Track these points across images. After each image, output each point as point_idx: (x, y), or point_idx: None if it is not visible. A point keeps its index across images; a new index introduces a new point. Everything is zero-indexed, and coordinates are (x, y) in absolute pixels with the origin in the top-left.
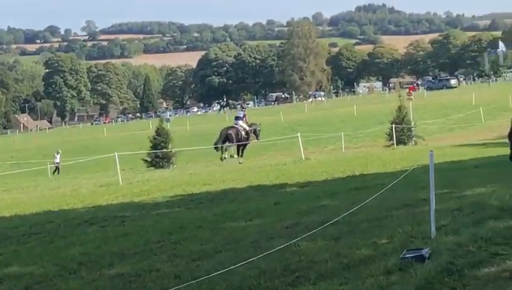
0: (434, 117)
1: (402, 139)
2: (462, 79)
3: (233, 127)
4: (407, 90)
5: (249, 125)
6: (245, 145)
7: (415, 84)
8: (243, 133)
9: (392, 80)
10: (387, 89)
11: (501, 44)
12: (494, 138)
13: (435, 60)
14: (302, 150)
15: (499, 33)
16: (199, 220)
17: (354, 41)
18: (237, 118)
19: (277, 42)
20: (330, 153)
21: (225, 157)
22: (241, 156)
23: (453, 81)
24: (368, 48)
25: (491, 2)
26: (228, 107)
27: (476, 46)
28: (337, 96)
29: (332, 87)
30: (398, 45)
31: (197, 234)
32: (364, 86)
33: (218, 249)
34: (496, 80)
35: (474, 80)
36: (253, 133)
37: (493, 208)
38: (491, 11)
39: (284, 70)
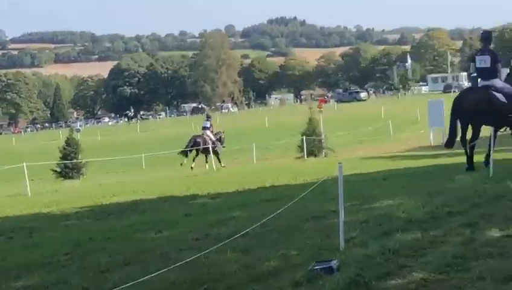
0: (344, 129)
1: (312, 151)
2: (371, 92)
3: (201, 135)
4: (318, 102)
5: (215, 135)
6: (217, 153)
7: (325, 97)
8: (210, 143)
9: (303, 92)
10: (298, 101)
11: (409, 58)
12: (402, 150)
13: (346, 72)
14: (213, 161)
15: (407, 47)
16: (108, 231)
17: (266, 53)
18: (204, 128)
19: (189, 53)
20: (242, 164)
21: (192, 167)
22: (219, 162)
23: (363, 94)
24: (279, 60)
25: (400, 17)
26: (135, 119)
27: (385, 60)
28: (249, 107)
29: (244, 98)
30: (309, 57)
31: (106, 245)
32: (276, 98)
33: (127, 260)
34: (405, 94)
35: (383, 93)
36: (218, 140)
37: (400, 220)
38: (400, 25)
39: (196, 82)
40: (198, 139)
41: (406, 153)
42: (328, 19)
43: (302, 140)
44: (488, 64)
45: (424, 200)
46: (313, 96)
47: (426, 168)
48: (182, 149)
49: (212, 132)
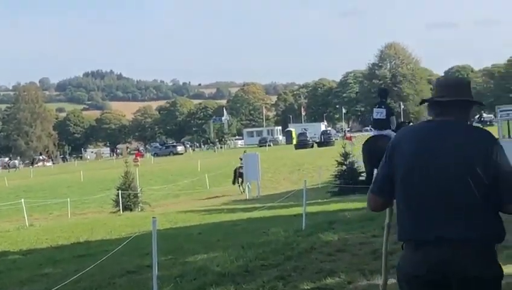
0: (160, 183)
1: (128, 205)
2: (188, 146)
3: (241, 166)
4: (134, 156)
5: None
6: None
7: (141, 150)
8: None
9: (119, 145)
10: (114, 154)
11: (226, 112)
12: (218, 204)
13: (162, 126)
14: (26, 216)
15: (224, 101)
16: None
17: (81, 106)
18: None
19: (3, 106)
20: (56, 219)
21: (243, 190)
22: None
23: (180, 148)
24: (95, 113)
25: (216, 72)
26: None
27: (202, 114)
28: (64, 161)
29: (59, 152)
30: (126, 110)
31: None
32: (92, 152)
33: None
34: (221, 147)
35: (200, 146)
36: None
37: (215, 274)
38: (216, 80)
39: (9, 135)
40: (240, 170)
41: (221, 207)
42: (145, 73)
43: (118, 194)
44: (383, 116)
45: (238, 254)
46: (129, 149)
47: (241, 222)
48: (233, 181)
49: None
